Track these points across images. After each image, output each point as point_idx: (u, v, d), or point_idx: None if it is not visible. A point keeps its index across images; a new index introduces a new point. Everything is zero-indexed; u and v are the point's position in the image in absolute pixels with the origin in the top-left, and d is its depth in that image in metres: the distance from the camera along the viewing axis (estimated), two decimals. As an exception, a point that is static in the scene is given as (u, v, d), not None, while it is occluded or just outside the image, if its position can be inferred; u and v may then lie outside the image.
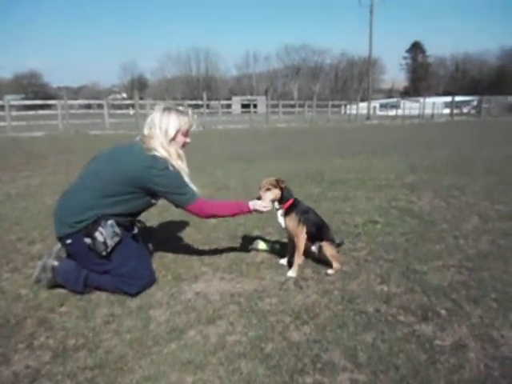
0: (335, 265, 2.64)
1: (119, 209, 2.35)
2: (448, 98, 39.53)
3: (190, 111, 2.58)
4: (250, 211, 2.54)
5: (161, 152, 2.38)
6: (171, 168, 2.36)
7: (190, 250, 3.05)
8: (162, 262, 2.82)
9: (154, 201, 2.49)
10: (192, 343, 1.87)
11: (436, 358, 1.74)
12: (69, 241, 2.31)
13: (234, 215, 2.60)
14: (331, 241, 2.72)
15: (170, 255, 2.94)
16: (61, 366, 1.73)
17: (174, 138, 2.43)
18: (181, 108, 2.54)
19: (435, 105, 36.21)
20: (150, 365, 1.71)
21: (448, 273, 2.60)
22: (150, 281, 2.45)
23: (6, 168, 7.24)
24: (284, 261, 2.79)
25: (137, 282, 2.36)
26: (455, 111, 36.35)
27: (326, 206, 4.33)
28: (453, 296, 2.28)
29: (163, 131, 2.40)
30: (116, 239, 2.29)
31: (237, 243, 3.19)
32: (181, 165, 2.45)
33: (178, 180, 2.38)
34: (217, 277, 2.60)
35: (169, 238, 3.33)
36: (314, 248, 2.74)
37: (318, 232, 2.71)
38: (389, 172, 6.43)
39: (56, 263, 2.37)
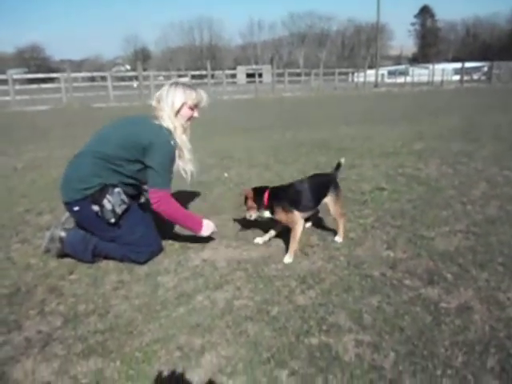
0: (341, 227, 2.57)
1: (125, 178, 2.36)
2: (458, 65, 38.53)
3: (199, 89, 2.56)
4: (200, 230, 2.47)
5: (167, 123, 2.40)
6: (172, 143, 2.36)
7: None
8: (169, 231, 2.84)
9: None
10: (200, 307, 1.90)
11: (441, 319, 1.75)
12: (76, 208, 2.32)
13: (182, 224, 2.51)
14: (336, 193, 2.56)
15: (176, 225, 2.95)
16: (72, 330, 1.77)
17: (179, 111, 2.44)
18: (189, 83, 2.56)
19: (445, 71, 35.28)
20: (158, 328, 1.75)
21: (455, 238, 2.60)
22: (158, 248, 2.48)
23: (12, 142, 7.25)
24: (260, 239, 2.63)
25: (145, 250, 2.39)
26: (465, 78, 35.43)
27: (332, 174, 4.30)
28: (459, 261, 2.28)
29: (169, 104, 2.42)
30: (123, 207, 2.31)
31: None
32: (184, 140, 2.47)
33: (168, 161, 2.36)
34: (223, 244, 2.62)
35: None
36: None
37: (316, 197, 2.53)
38: (396, 139, 6.34)
39: (63, 234, 2.40)
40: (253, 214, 2.52)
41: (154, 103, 2.49)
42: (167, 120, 2.40)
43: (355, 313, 1.81)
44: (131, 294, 2.05)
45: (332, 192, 2.56)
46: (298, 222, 2.40)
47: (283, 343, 1.62)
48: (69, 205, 2.35)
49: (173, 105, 2.42)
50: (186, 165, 2.50)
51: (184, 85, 2.50)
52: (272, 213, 2.47)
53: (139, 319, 1.83)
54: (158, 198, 2.33)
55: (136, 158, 2.33)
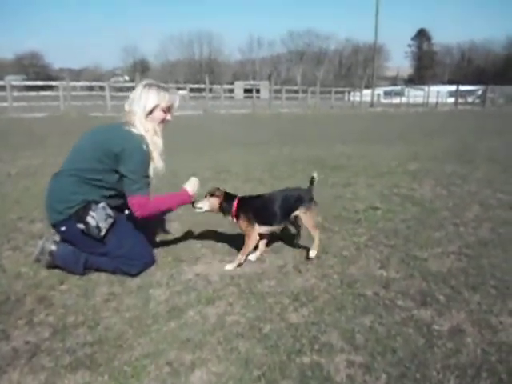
0: (316, 240, 2.52)
1: (105, 191, 2.33)
2: (453, 87, 39.23)
3: (173, 89, 2.52)
4: (190, 197, 2.48)
5: (138, 128, 2.34)
6: (144, 148, 2.30)
7: (189, 233, 3.05)
8: (162, 243, 2.83)
9: None
10: (191, 322, 1.88)
11: (433, 342, 1.75)
12: (63, 228, 2.31)
13: (175, 207, 2.52)
14: (308, 206, 2.53)
15: (169, 237, 2.95)
16: (60, 342, 1.74)
17: (151, 113, 2.38)
18: (163, 84, 2.47)
19: (439, 93, 35.94)
20: (149, 342, 1.73)
21: (448, 259, 2.61)
22: (150, 260, 2.46)
23: (7, 148, 7.22)
24: (253, 256, 2.61)
25: (137, 263, 2.36)
26: (460, 100, 36.06)
27: (326, 191, 4.32)
28: (452, 282, 2.29)
29: (141, 106, 2.36)
30: (110, 221, 2.29)
31: (236, 226, 3.18)
32: (156, 141, 2.39)
33: (141, 166, 2.30)
34: (216, 259, 2.61)
35: (168, 221, 3.33)
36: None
37: (284, 211, 2.53)
38: (391, 159, 6.40)
39: (54, 247, 2.37)
40: (203, 209, 2.52)
41: (126, 107, 2.42)
42: (138, 124, 2.34)
43: (347, 332, 1.80)
44: (122, 307, 2.02)
45: (304, 206, 2.54)
46: (253, 236, 2.49)
47: (274, 361, 1.60)
48: (55, 226, 2.34)
49: (145, 107, 2.36)
50: (156, 164, 2.40)
51: (158, 86, 2.42)
52: (236, 219, 2.54)
53: (129, 332, 1.80)
54: (138, 206, 2.28)
55: (111, 168, 2.29)
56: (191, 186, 2.52)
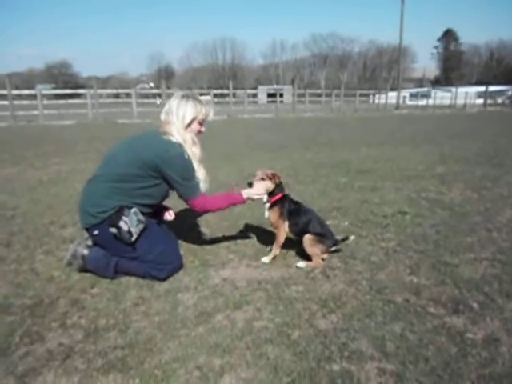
0: (314, 261, 2.56)
1: (138, 198, 2.38)
2: (481, 88, 38.16)
3: (207, 100, 2.60)
4: (243, 201, 2.60)
5: (176, 137, 2.40)
6: (185, 156, 2.37)
7: (216, 238, 3.07)
8: (189, 248, 2.86)
9: (170, 191, 2.51)
10: (219, 327, 1.89)
11: (467, 351, 1.70)
12: (95, 232, 2.36)
13: (228, 207, 2.61)
14: (317, 234, 2.59)
15: (196, 242, 2.97)
16: (92, 344, 1.78)
17: (189, 125, 2.45)
18: (199, 97, 2.55)
19: (468, 95, 35.05)
20: (178, 347, 1.75)
21: (480, 266, 2.53)
22: (178, 265, 2.49)
23: (39, 155, 7.45)
24: (267, 259, 2.66)
25: (165, 267, 2.39)
26: (489, 101, 35.06)
27: (353, 195, 4.28)
28: (485, 289, 2.22)
29: (180, 118, 2.42)
30: (141, 226, 2.33)
31: (263, 231, 3.20)
32: (195, 151, 2.46)
33: (188, 171, 2.38)
34: (243, 264, 2.62)
35: (195, 226, 3.37)
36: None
37: (304, 229, 2.62)
38: (418, 162, 6.28)
39: (86, 252, 2.43)
40: (263, 188, 2.63)
41: (162, 117, 2.49)
42: (176, 134, 2.40)
43: (378, 340, 1.77)
44: (151, 311, 2.05)
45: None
46: (282, 229, 2.63)
47: (304, 368, 1.59)
48: (88, 230, 2.40)
49: (183, 119, 2.42)
50: (197, 173, 2.47)
51: (194, 99, 2.49)
52: (270, 208, 2.67)
53: (159, 336, 1.83)
54: (199, 206, 2.48)
55: (148, 174, 2.34)
56: (249, 192, 2.60)
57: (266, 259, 2.63)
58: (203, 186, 2.49)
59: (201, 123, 2.52)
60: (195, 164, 2.44)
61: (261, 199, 2.66)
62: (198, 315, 2.00)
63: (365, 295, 2.17)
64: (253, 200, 2.63)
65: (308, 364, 1.62)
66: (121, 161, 2.39)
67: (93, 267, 2.43)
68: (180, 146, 2.38)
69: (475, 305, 2.07)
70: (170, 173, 2.34)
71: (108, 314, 2.02)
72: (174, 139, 2.39)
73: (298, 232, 2.64)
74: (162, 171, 2.34)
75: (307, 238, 2.57)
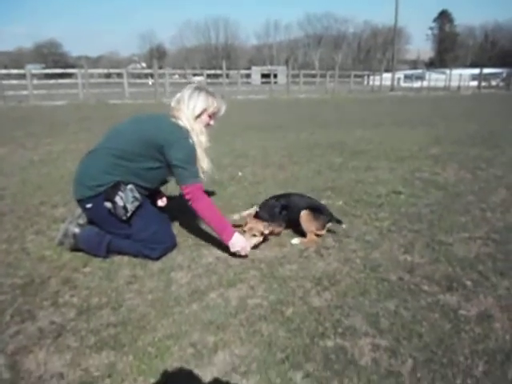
0: (308, 237, 2.56)
1: (136, 179, 2.34)
2: (476, 70, 37.95)
3: (220, 96, 2.56)
4: (226, 240, 2.32)
5: (185, 123, 2.38)
6: (190, 141, 2.35)
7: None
8: (183, 228, 2.83)
9: (169, 177, 2.49)
10: (213, 305, 1.88)
11: (461, 327, 1.71)
12: (89, 205, 2.32)
13: (213, 228, 2.39)
14: (313, 210, 2.59)
15: (190, 222, 2.94)
16: (85, 322, 1.76)
17: (199, 116, 2.44)
18: (211, 90, 2.53)
19: (462, 77, 34.86)
20: (171, 324, 1.73)
21: (474, 245, 2.54)
22: (171, 245, 2.47)
23: (29, 135, 7.33)
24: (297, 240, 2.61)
25: (158, 246, 2.37)
26: (483, 84, 34.94)
27: (347, 175, 4.26)
28: (479, 268, 2.23)
29: (190, 108, 2.41)
30: (136, 204, 2.30)
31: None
32: (202, 139, 2.44)
33: (190, 155, 2.34)
34: (237, 243, 2.59)
35: (187, 206, 3.33)
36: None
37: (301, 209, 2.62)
38: (412, 143, 6.26)
39: (77, 230, 2.39)
40: (254, 243, 2.47)
41: (173, 103, 2.47)
42: (185, 121, 2.39)
43: (372, 316, 1.77)
44: (144, 289, 2.03)
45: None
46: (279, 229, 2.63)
47: (298, 344, 1.59)
48: (81, 202, 2.36)
49: (194, 109, 2.42)
50: (200, 162, 2.44)
51: (207, 91, 2.49)
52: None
53: (152, 314, 1.81)
54: (191, 194, 2.30)
55: (151, 155, 2.31)
56: (237, 241, 2.32)
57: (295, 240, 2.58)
58: (204, 177, 2.44)
59: (211, 116, 2.49)
60: (200, 152, 2.41)
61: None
62: (191, 293, 1.98)
63: (359, 273, 2.17)
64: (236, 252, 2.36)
65: (302, 340, 1.61)
66: (126, 137, 2.36)
67: (85, 246, 2.40)
68: (187, 131, 2.36)
69: (469, 282, 2.07)
70: (173, 154, 2.29)
71: (100, 293, 2.00)
72: (181, 123, 2.37)
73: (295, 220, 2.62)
74: (165, 152, 2.30)
75: (304, 214, 2.57)
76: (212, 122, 2.54)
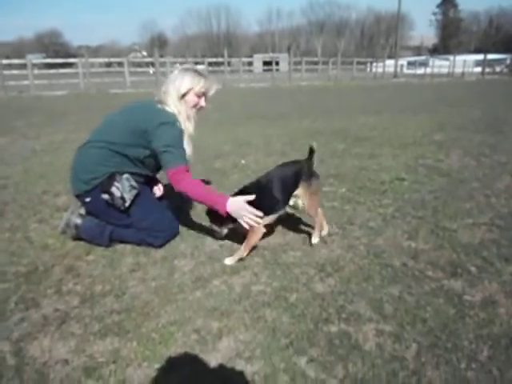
0: (316, 217, 2.32)
1: (132, 167, 2.33)
2: (480, 56, 37.50)
3: (212, 77, 2.49)
4: (223, 211, 2.10)
5: (172, 108, 2.33)
6: (177, 124, 2.29)
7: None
8: (186, 215, 2.82)
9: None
10: (217, 292, 1.88)
11: (465, 312, 1.70)
12: (87, 199, 2.31)
13: (205, 203, 2.20)
14: (308, 183, 2.25)
15: (192, 210, 2.94)
16: (89, 309, 1.76)
17: (184, 96, 2.36)
18: (200, 70, 2.45)
19: (466, 63, 34.45)
20: (175, 310, 1.73)
21: (479, 231, 2.52)
22: (174, 232, 2.46)
23: (31, 125, 7.32)
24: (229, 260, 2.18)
25: (161, 234, 2.37)
26: (487, 70, 34.56)
27: (350, 162, 4.23)
28: (483, 253, 2.21)
29: (176, 87, 2.34)
30: (134, 192, 2.29)
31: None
32: (188, 126, 2.37)
33: (176, 138, 2.25)
34: (240, 230, 2.59)
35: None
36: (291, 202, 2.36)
37: (284, 194, 2.26)
38: (416, 130, 6.21)
39: (79, 221, 2.38)
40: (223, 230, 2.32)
41: (162, 88, 2.42)
42: (172, 105, 2.33)
43: (375, 302, 1.77)
44: (147, 277, 2.04)
45: (304, 183, 2.26)
46: (258, 231, 2.16)
47: (302, 330, 1.59)
48: (80, 197, 2.35)
49: (179, 89, 2.34)
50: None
51: (195, 71, 2.41)
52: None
53: (156, 301, 1.81)
54: (176, 176, 2.16)
55: (141, 144, 2.27)
56: (236, 206, 2.10)
57: (228, 261, 2.15)
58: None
59: (199, 96, 2.40)
60: (185, 138, 2.33)
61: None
62: (194, 280, 1.98)
63: (362, 260, 2.16)
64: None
65: (306, 326, 1.61)
66: (116, 128, 2.33)
67: (87, 236, 2.40)
68: (174, 115, 2.31)
69: (473, 268, 2.06)
70: (158, 137, 2.22)
71: (104, 281, 2.01)
72: (168, 109, 2.32)
73: (282, 206, 2.29)
74: (150, 137, 2.23)
75: (304, 192, 2.28)
76: (203, 103, 2.43)
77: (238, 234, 2.29)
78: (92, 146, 2.33)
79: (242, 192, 2.22)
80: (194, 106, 2.40)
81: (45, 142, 5.66)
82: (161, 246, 2.36)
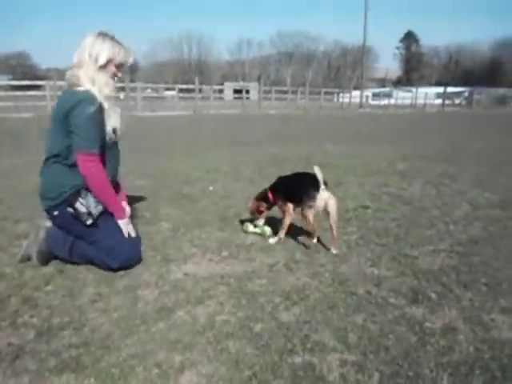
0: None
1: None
2: (440, 89, 39.65)
3: (127, 45, 2.37)
4: (122, 216, 2.39)
5: (84, 84, 2.22)
6: (88, 103, 2.16)
7: (178, 232, 3.00)
8: (151, 243, 2.77)
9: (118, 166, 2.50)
10: (180, 323, 1.83)
11: (426, 339, 1.73)
12: (55, 212, 2.30)
13: (106, 200, 2.31)
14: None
15: (158, 237, 2.90)
16: (45, 344, 1.68)
17: (103, 67, 2.26)
18: (117, 38, 2.33)
19: (427, 95, 36.26)
20: (137, 343, 1.68)
21: (438, 257, 2.60)
22: (134, 257, 2.41)
23: (-8, 148, 7.08)
24: (273, 240, 2.79)
25: (120, 257, 2.30)
26: (447, 102, 36.46)
27: (317, 190, 4.30)
28: (443, 280, 2.28)
29: (93, 57, 2.23)
30: (100, 208, 2.27)
31: (226, 225, 3.16)
32: (105, 91, 2.26)
33: (88, 125, 2.18)
34: (206, 258, 2.57)
35: (156, 220, 3.28)
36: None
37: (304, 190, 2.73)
38: (380, 159, 6.41)
39: (48, 224, 2.39)
40: (264, 217, 2.92)
41: (74, 58, 2.28)
42: (83, 77, 2.21)
43: (340, 331, 1.78)
44: (109, 307, 1.97)
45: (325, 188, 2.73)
46: (289, 209, 2.77)
47: (266, 362, 1.57)
48: (49, 211, 2.33)
49: (97, 58, 2.22)
50: (110, 120, 2.29)
51: (112, 38, 2.28)
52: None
53: (117, 333, 1.75)
54: (82, 162, 2.19)
55: (69, 131, 2.22)
56: (124, 225, 2.40)
57: (272, 240, 2.78)
58: (115, 135, 2.34)
59: (117, 66, 2.32)
60: (107, 108, 2.25)
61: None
62: (158, 311, 1.93)
63: (328, 287, 2.18)
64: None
65: (270, 357, 1.59)
66: (54, 136, 2.29)
67: (52, 244, 2.36)
68: (85, 93, 2.19)
69: (433, 295, 2.11)
70: (72, 122, 2.17)
71: (62, 312, 1.92)
72: (80, 89, 2.21)
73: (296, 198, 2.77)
74: (69, 124, 2.18)
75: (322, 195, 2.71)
76: (120, 74, 2.37)
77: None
78: (48, 165, 2.32)
79: (280, 180, 2.95)
80: (112, 76, 2.34)
81: (6, 166, 5.48)
82: (118, 269, 2.30)
